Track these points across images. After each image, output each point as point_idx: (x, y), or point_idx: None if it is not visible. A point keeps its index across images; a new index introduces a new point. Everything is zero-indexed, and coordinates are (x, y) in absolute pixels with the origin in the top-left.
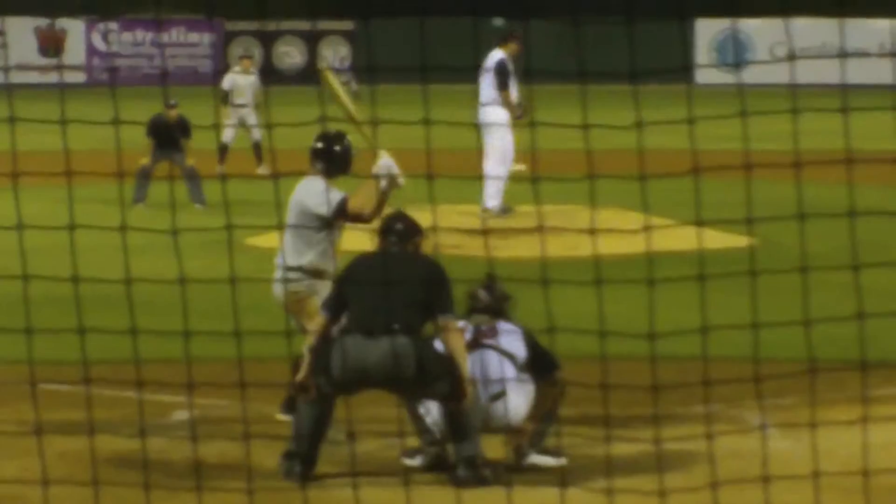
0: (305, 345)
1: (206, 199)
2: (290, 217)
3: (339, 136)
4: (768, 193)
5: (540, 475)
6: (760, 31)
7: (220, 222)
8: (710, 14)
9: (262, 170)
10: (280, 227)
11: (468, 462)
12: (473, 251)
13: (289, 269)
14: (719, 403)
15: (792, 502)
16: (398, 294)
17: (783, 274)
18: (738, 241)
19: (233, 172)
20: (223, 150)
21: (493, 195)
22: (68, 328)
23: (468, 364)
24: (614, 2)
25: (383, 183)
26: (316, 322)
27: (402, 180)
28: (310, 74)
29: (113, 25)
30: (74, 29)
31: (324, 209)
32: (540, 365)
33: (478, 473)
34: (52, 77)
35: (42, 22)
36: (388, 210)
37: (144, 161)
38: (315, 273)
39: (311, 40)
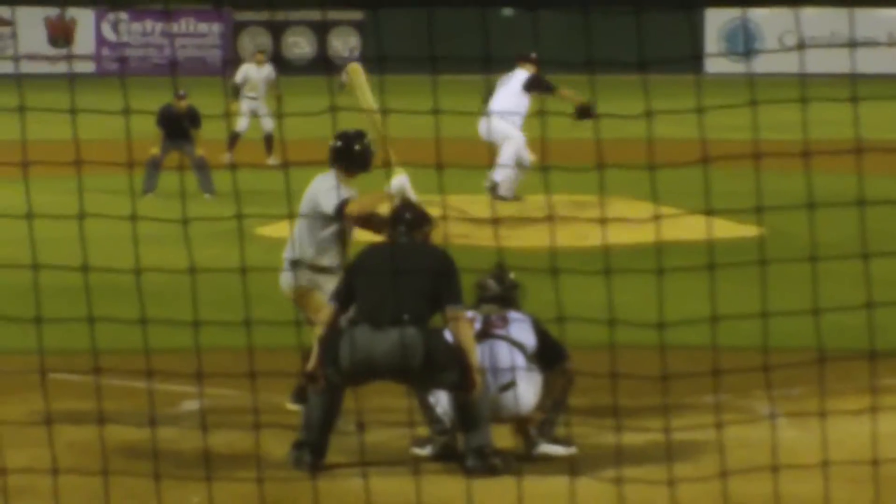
0: (315, 335)
1: (216, 188)
2: (302, 210)
3: (359, 135)
4: (778, 183)
5: (550, 465)
6: (770, 20)
7: (229, 212)
8: (719, 3)
9: (272, 160)
10: (290, 216)
11: (478, 452)
12: (483, 241)
13: (292, 262)
14: (728, 393)
15: (801, 492)
16: (407, 284)
17: (792, 263)
18: (748, 230)
19: (242, 162)
20: (234, 138)
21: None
22: (78, 318)
23: (477, 354)
24: None
25: (395, 201)
26: (324, 312)
27: (414, 196)
28: (319, 65)
29: (123, 15)
30: (84, 19)
31: (328, 207)
32: (549, 354)
33: (487, 463)
34: (62, 67)
35: (52, 12)
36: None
37: (154, 151)
38: (316, 268)
39: (321, 30)
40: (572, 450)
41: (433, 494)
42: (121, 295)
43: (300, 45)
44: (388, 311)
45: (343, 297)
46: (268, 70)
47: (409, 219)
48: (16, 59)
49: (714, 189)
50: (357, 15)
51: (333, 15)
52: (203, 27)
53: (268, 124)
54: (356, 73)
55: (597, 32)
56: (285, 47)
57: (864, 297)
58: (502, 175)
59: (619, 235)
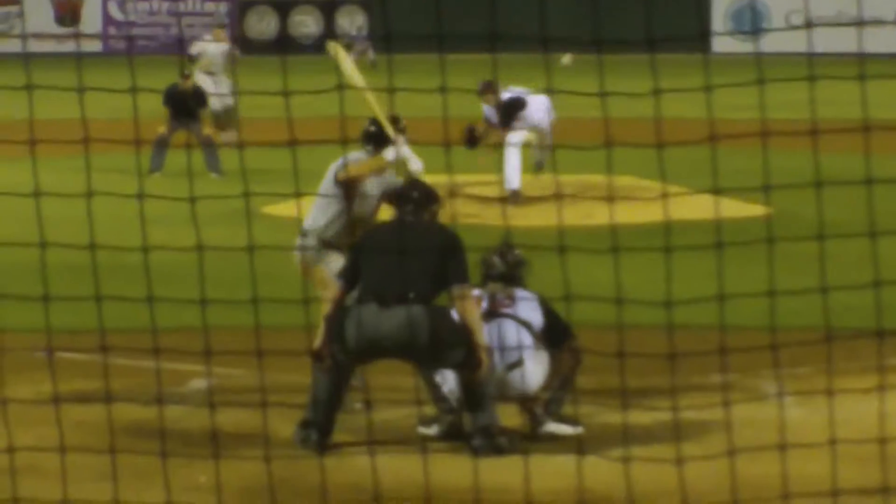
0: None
1: (223, 167)
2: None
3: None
4: (785, 162)
5: (556, 444)
6: None
7: (236, 191)
8: None
9: (226, 136)
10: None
11: (484, 431)
12: (490, 220)
13: (301, 232)
14: (735, 372)
15: (808, 471)
16: (413, 263)
17: (800, 242)
18: (755, 209)
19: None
20: (217, 119)
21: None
22: (85, 296)
23: (484, 333)
24: None
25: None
26: (330, 290)
27: (416, 165)
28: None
29: None
30: None
31: (339, 173)
32: (555, 333)
33: (494, 442)
34: (69, 46)
35: None
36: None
37: (161, 130)
38: (322, 242)
39: (327, 10)
40: (579, 429)
41: (440, 473)
42: (128, 273)
43: (307, 23)
44: (395, 289)
45: (349, 276)
46: (226, 46)
47: (416, 197)
48: (23, 37)
49: (721, 168)
50: None
51: None
52: (210, 6)
53: (222, 101)
54: (336, 51)
55: (604, 11)
56: (292, 26)
57: (871, 277)
58: (513, 183)
59: (627, 214)
